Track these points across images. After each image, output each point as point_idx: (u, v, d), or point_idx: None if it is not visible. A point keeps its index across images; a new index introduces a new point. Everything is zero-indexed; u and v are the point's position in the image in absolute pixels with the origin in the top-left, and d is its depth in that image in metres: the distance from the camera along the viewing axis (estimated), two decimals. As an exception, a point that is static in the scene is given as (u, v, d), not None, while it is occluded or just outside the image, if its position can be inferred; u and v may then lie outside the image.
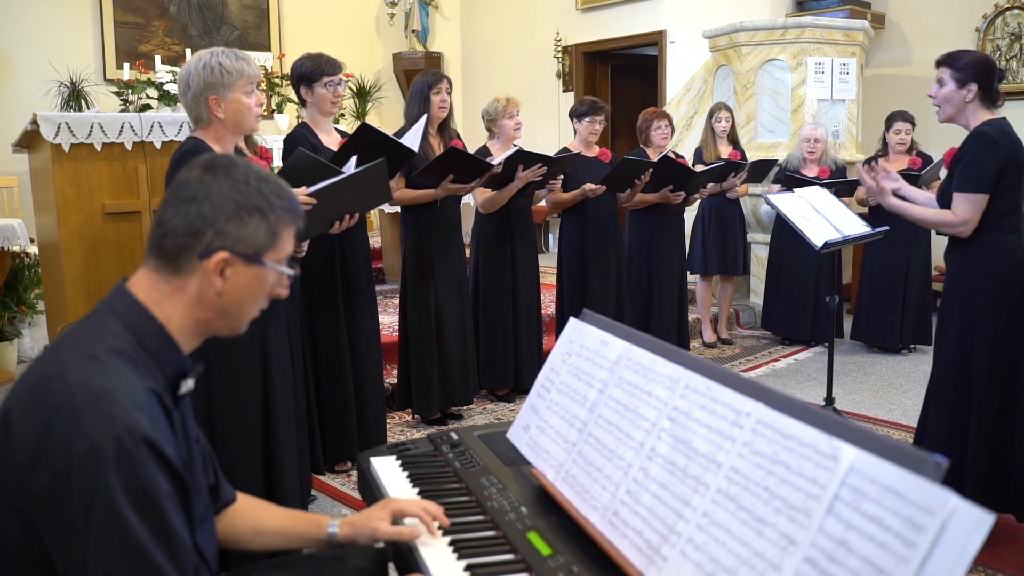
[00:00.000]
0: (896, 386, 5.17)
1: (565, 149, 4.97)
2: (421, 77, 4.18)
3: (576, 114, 4.95)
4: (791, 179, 5.59)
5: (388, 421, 4.28)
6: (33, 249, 5.15)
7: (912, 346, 5.96)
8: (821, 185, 4.85)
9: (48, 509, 1.12)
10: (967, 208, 2.96)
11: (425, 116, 3.96)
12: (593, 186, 4.72)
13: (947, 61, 3.01)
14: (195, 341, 1.37)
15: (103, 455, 1.11)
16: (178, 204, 1.30)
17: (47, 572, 1.16)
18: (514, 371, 4.71)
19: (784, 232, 5.81)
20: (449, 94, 4.19)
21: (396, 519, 1.58)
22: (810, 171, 5.87)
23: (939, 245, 6.21)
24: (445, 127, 4.26)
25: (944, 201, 3.06)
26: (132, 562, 1.12)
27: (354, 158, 3.20)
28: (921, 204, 3.20)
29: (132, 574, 1.11)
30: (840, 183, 5.50)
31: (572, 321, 1.83)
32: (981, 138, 2.94)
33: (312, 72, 3.52)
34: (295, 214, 1.39)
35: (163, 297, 1.31)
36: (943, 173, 4.84)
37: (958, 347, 3.07)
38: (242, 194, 1.31)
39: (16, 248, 4.84)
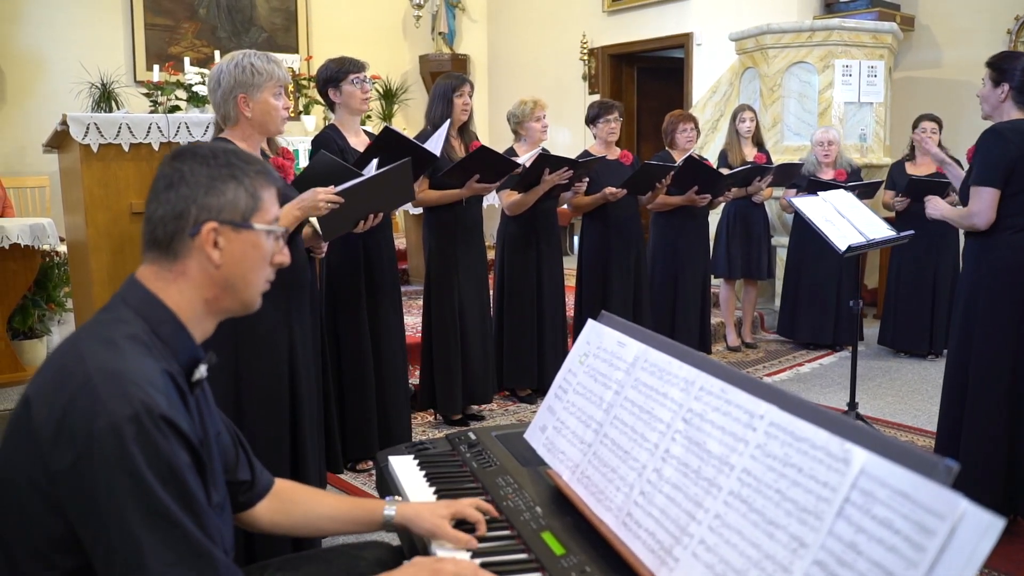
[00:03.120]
0: (922, 391, 5.12)
1: (587, 152, 4.97)
2: (444, 79, 4.21)
3: (589, 120, 4.97)
4: (814, 182, 5.56)
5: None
6: (62, 248, 5.23)
7: (941, 352, 5.89)
8: (845, 188, 4.82)
9: (73, 487, 1.15)
10: (974, 201, 3.04)
11: (448, 121, 3.98)
12: (614, 189, 4.72)
13: (991, 61, 3.12)
14: (208, 324, 1.40)
15: (123, 432, 1.14)
16: (158, 195, 1.35)
17: (69, 552, 1.18)
18: (538, 372, 4.72)
19: (802, 236, 5.78)
20: (471, 97, 4.21)
21: (455, 521, 1.57)
22: (826, 174, 5.82)
23: (967, 250, 6.16)
24: (465, 129, 4.28)
25: (964, 196, 3.15)
26: (161, 530, 1.15)
27: (375, 160, 3.23)
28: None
29: (162, 542, 1.14)
30: (860, 185, 5.45)
31: (590, 323, 1.83)
32: (990, 134, 3.03)
33: (338, 72, 3.55)
34: (268, 175, 1.42)
35: (168, 285, 1.34)
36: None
37: (960, 347, 3.13)
38: (212, 167, 1.35)
39: (46, 247, 4.92)
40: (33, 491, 1.18)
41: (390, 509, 1.60)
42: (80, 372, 1.20)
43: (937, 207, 3.27)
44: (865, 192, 5.46)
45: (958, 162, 5.59)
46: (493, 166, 4.04)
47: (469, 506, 1.58)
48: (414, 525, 1.56)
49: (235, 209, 1.35)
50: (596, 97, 9.01)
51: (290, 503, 1.63)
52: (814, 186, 5.42)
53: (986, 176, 3.00)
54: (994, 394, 3.02)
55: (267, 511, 1.61)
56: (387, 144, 3.45)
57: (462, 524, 1.57)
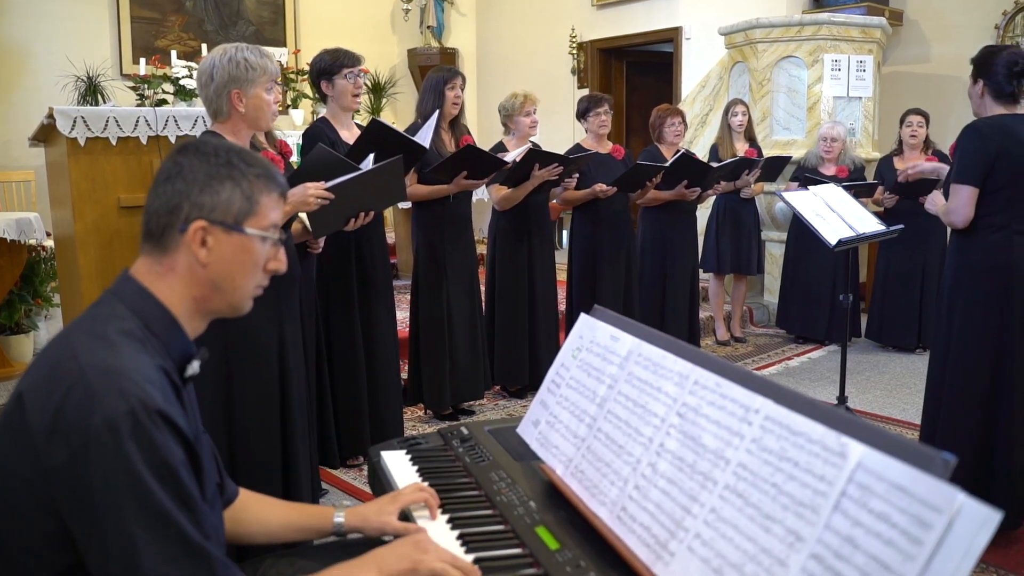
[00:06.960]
0: (910, 385, 5.14)
1: (578, 146, 4.97)
2: (436, 72, 4.19)
3: (580, 114, 4.96)
4: (808, 178, 5.56)
5: (401, 416, 4.29)
6: (49, 242, 5.19)
7: (928, 346, 5.91)
8: (839, 185, 4.83)
9: (67, 484, 1.14)
10: (953, 198, 3.05)
11: (437, 113, 3.96)
12: (604, 187, 4.70)
13: (973, 57, 3.13)
14: (198, 323, 1.39)
15: (119, 428, 1.13)
16: (157, 187, 1.35)
17: (62, 549, 1.17)
18: (530, 367, 4.71)
19: (800, 230, 5.79)
20: (462, 90, 4.19)
21: (404, 511, 1.59)
22: (828, 170, 5.83)
23: (955, 244, 6.19)
24: (456, 123, 4.27)
25: (947, 193, 3.16)
26: (158, 528, 1.13)
27: (371, 156, 3.21)
28: None
29: (158, 539, 1.13)
30: (859, 185, 5.45)
31: (583, 317, 1.83)
32: (967, 131, 3.02)
33: (332, 65, 3.53)
34: (271, 179, 1.39)
35: (158, 278, 1.33)
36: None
37: (941, 344, 3.16)
38: (212, 165, 1.34)
39: (32, 241, 4.87)
40: (26, 488, 1.17)
41: (339, 516, 1.63)
42: (74, 368, 1.18)
43: (936, 203, 3.27)
44: (863, 192, 5.46)
45: (948, 158, 5.63)
46: (480, 163, 4.03)
47: (412, 492, 1.62)
48: (364, 528, 1.60)
49: (228, 210, 1.33)
50: (585, 91, 9.00)
51: (242, 511, 1.63)
52: (810, 181, 5.42)
53: (964, 174, 2.98)
54: (970, 394, 3.03)
55: (225, 520, 1.59)
56: (375, 136, 3.43)
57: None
